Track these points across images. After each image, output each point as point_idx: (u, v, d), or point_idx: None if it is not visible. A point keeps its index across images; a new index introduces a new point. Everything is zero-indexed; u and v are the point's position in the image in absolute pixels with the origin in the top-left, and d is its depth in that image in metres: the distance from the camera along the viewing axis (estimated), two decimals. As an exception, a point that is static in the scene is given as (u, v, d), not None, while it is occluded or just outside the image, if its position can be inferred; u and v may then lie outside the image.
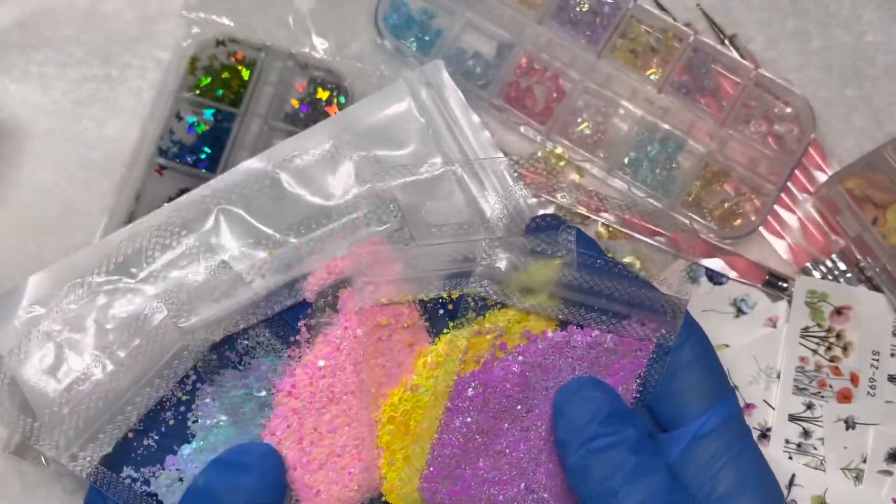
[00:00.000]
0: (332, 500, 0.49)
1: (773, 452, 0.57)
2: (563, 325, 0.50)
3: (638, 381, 0.49)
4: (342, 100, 0.61)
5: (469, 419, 0.48)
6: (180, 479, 0.49)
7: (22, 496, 0.57)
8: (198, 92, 0.61)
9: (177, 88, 0.60)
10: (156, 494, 0.49)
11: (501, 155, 0.57)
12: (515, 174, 0.60)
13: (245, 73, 0.61)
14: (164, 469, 0.50)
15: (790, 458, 0.57)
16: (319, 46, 0.62)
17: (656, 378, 0.49)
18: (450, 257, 0.51)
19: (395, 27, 0.62)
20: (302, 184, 0.54)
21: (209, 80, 0.61)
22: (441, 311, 0.51)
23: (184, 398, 0.50)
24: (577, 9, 0.62)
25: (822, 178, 0.62)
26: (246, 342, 0.51)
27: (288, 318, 0.51)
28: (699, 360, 0.49)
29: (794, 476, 0.57)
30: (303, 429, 0.49)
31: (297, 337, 0.51)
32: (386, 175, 0.54)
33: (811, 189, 0.62)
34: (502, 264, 0.49)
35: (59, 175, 0.61)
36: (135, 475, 0.49)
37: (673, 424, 0.49)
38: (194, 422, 0.50)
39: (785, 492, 0.56)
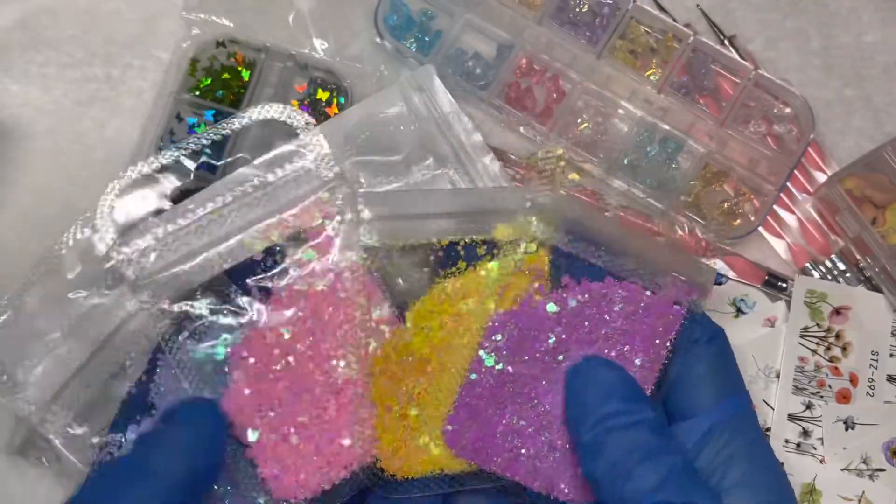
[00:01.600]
0: (298, 477, 0.48)
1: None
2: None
3: (668, 346, 0.49)
4: (342, 100, 0.61)
5: (501, 361, 0.48)
6: None
7: (22, 496, 0.57)
8: (198, 93, 0.61)
9: (177, 89, 0.60)
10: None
11: (492, 156, 0.58)
12: (515, 175, 0.60)
13: (245, 74, 0.61)
14: (125, 439, 0.50)
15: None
16: (319, 47, 0.62)
17: (679, 354, 0.48)
18: (443, 207, 0.51)
19: (394, 28, 0.62)
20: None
21: (209, 80, 0.61)
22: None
23: (145, 368, 0.50)
24: (577, 9, 0.62)
25: (821, 178, 0.62)
26: (199, 307, 0.50)
27: (238, 280, 0.51)
28: (720, 354, 0.49)
29: (782, 464, 0.57)
30: (261, 397, 0.49)
31: (248, 298, 0.50)
32: (381, 178, 0.54)
33: (810, 189, 0.62)
34: (546, 200, 0.49)
35: (60, 175, 0.61)
36: (100, 442, 0.50)
37: (682, 415, 0.48)
38: (156, 393, 0.50)
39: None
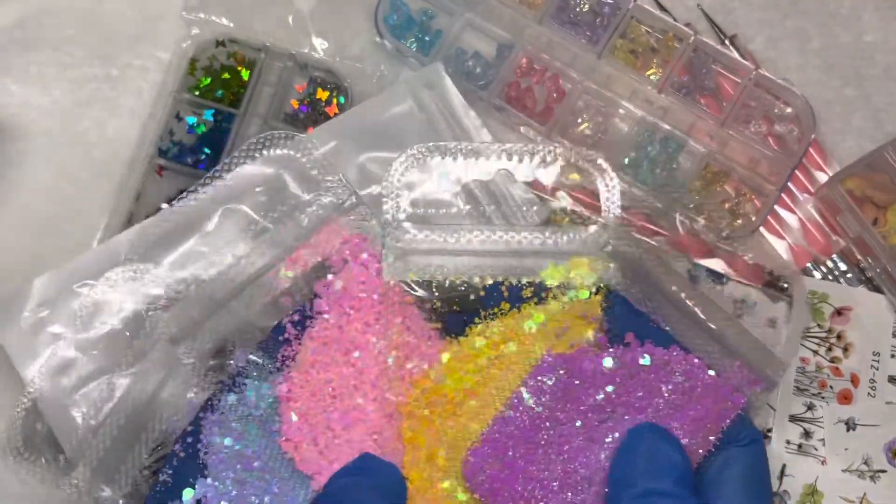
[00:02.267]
0: None
1: (774, 451, 0.57)
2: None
3: (718, 435, 0.46)
4: (342, 100, 0.61)
5: (542, 404, 0.45)
6: None
7: (21, 497, 0.57)
8: (197, 93, 0.61)
9: (176, 89, 0.60)
10: None
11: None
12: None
13: (245, 74, 0.61)
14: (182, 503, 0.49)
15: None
16: (319, 47, 0.62)
17: (717, 448, 0.46)
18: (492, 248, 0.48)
19: (394, 27, 0.62)
20: (305, 186, 0.54)
21: (209, 80, 0.61)
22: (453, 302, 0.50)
23: (189, 429, 0.49)
24: (578, 9, 0.62)
25: (822, 178, 0.62)
26: (236, 362, 0.50)
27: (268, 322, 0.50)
28: (758, 461, 0.47)
29: (784, 466, 0.57)
30: (315, 430, 0.48)
31: (286, 335, 0.50)
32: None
33: (811, 189, 0.62)
34: (629, 249, 0.46)
35: (60, 175, 0.61)
36: None
37: None
38: (205, 453, 0.49)
39: (776, 482, 0.56)
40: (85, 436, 0.48)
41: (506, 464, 0.45)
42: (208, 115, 0.60)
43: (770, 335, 0.59)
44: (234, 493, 0.48)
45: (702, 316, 0.46)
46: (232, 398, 0.50)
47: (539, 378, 0.45)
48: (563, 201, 0.59)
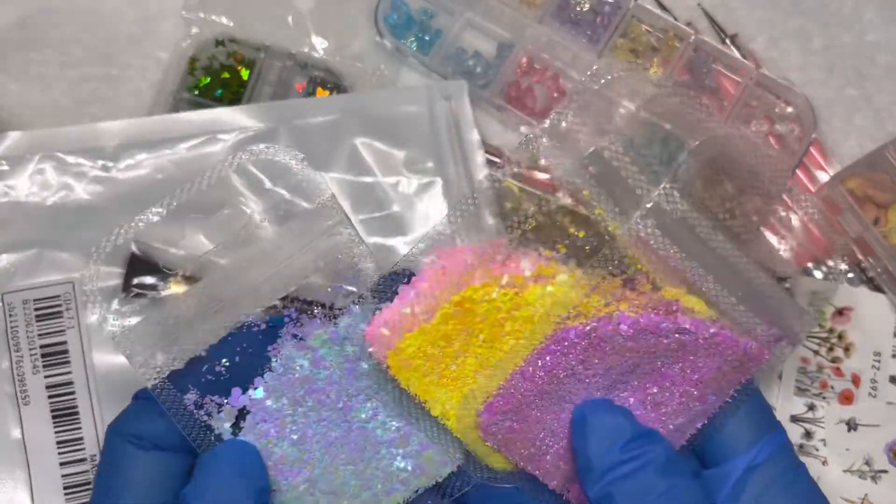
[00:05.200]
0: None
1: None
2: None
3: (737, 387, 0.45)
4: (342, 99, 0.61)
5: (563, 360, 0.44)
6: (242, 418, 0.46)
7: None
8: (197, 92, 0.61)
9: (176, 88, 0.60)
10: (213, 428, 0.46)
11: (487, 174, 0.58)
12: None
13: (244, 73, 0.61)
14: (227, 402, 0.46)
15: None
16: (319, 46, 0.62)
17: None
18: None
19: (394, 27, 0.62)
20: (296, 144, 0.55)
21: (208, 80, 0.61)
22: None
23: (265, 328, 0.46)
24: (578, 8, 0.62)
25: (823, 177, 0.62)
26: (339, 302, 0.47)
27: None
28: (755, 392, 0.47)
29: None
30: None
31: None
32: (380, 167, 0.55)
33: (812, 189, 0.62)
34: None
35: (59, 175, 0.61)
36: (199, 401, 0.45)
37: (715, 461, 0.46)
38: (273, 361, 0.46)
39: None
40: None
41: (521, 417, 0.45)
42: (208, 115, 0.61)
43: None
44: (288, 412, 0.46)
45: (734, 260, 0.44)
46: (323, 326, 0.47)
47: (559, 337, 0.44)
48: (565, 199, 0.58)
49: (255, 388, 0.46)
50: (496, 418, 0.45)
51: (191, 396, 0.46)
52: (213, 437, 0.46)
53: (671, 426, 0.47)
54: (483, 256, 0.46)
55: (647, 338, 0.45)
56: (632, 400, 0.46)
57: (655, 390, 0.46)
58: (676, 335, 0.45)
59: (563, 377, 0.45)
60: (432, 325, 0.45)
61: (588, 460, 0.44)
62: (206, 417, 0.46)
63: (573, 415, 0.46)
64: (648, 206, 0.44)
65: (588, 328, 0.45)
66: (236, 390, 0.46)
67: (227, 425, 0.46)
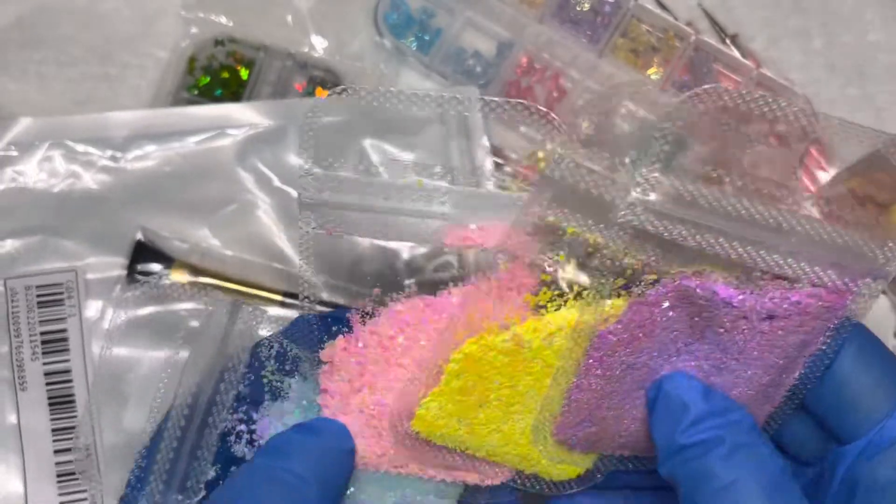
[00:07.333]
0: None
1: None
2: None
3: (819, 346, 0.41)
4: (342, 99, 0.61)
5: (613, 359, 0.42)
6: None
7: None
8: (196, 92, 0.60)
9: (175, 88, 0.60)
10: None
11: (493, 182, 0.58)
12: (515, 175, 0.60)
13: (244, 73, 0.61)
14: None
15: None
16: (319, 46, 0.62)
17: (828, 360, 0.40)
18: None
19: (394, 26, 0.62)
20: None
21: (208, 79, 0.61)
22: None
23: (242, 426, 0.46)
24: (578, 8, 0.62)
25: (824, 177, 0.62)
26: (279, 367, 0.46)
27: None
28: (875, 356, 0.41)
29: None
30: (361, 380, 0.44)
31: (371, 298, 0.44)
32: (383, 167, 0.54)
33: (813, 189, 0.62)
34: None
35: (58, 175, 0.61)
36: None
37: (839, 436, 0.40)
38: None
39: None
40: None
41: (595, 420, 0.44)
42: (207, 115, 0.60)
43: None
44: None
45: (764, 217, 0.39)
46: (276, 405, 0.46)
47: (602, 339, 0.42)
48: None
49: None
50: (572, 431, 0.44)
51: None
52: None
53: (750, 392, 0.43)
54: (466, 304, 0.44)
55: (686, 307, 0.41)
56: (703, 367, 0.42)
57: (719, 356, 0.43)
58: (714, 299, 0.41)
59: (619, 374, 0.43)
60: (441, 388, 0.43)
61: (658, 441, 0.41)
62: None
63: (647, 396, 0.43)
64: (632, 196, 0.42)
65: (621, 325, 0.42)
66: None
67: None
